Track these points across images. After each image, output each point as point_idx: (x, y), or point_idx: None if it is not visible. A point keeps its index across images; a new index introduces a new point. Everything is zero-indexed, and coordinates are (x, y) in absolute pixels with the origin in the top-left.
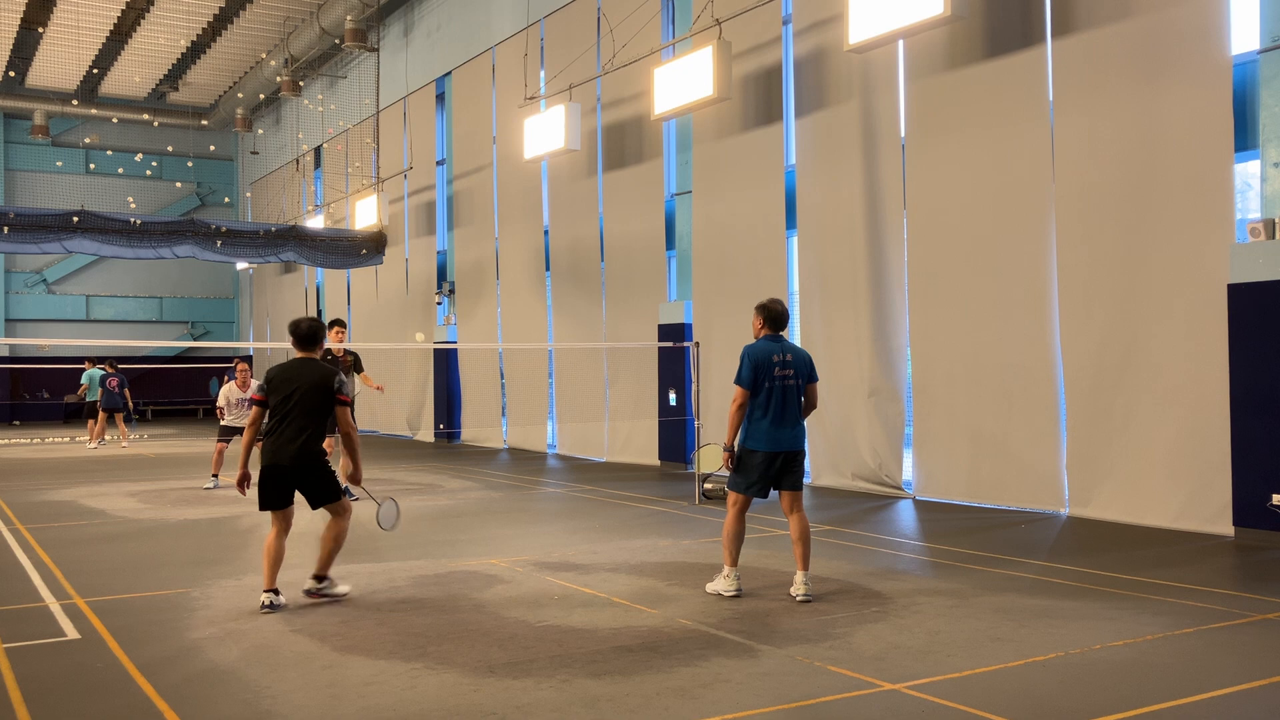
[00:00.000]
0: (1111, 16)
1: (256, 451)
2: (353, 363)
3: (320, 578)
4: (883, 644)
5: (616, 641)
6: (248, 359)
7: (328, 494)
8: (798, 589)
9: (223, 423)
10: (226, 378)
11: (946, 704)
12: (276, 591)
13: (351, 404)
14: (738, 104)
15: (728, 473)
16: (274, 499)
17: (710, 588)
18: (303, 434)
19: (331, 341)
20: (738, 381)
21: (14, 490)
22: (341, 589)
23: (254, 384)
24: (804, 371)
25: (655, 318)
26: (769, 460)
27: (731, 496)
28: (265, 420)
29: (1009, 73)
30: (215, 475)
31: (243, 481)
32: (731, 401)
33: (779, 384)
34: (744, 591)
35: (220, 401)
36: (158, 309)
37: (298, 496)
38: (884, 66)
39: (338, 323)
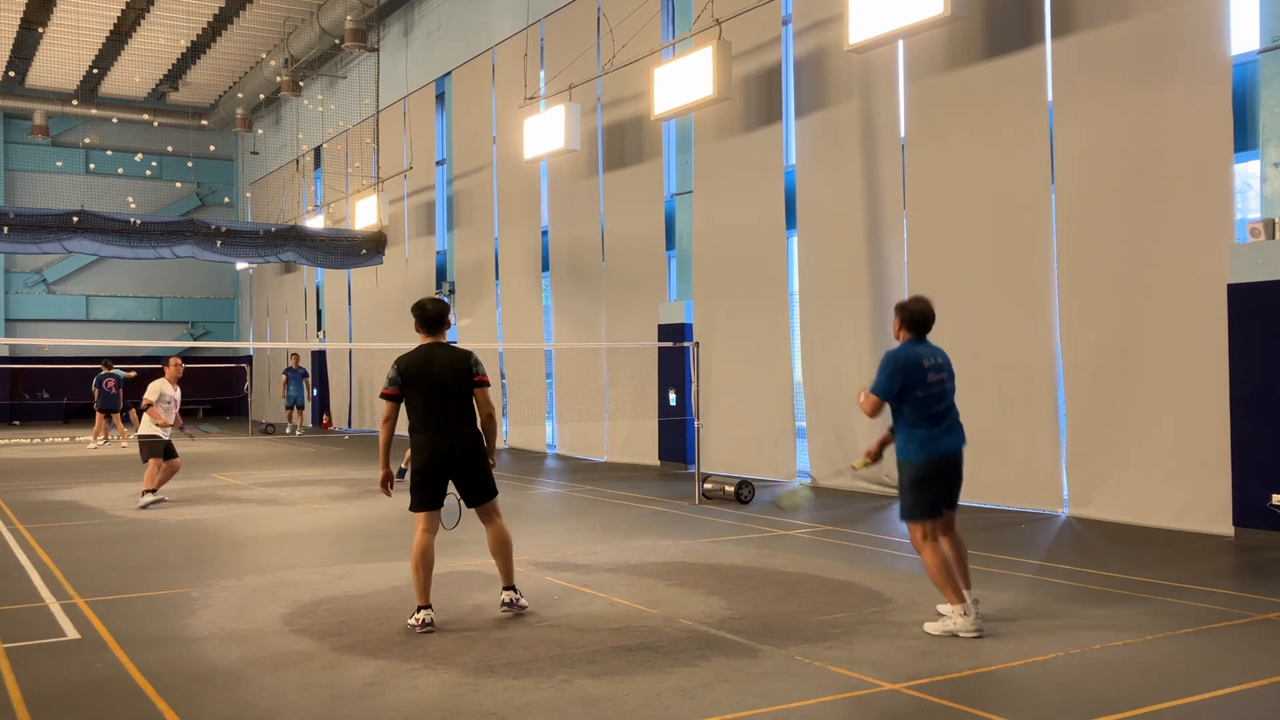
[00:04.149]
0: (1111, 17)
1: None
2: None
3: (511, 587)
4: (883, 644)
5: (616, 641)
6: (249, 358)
7: (485, 491)
8: (971, 612)
9: (140, 432)
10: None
11: (946, 704)
12: (431, 608)
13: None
14: (738, 104)
15: (870, 468)
16: (431, 499)
17: (937, 628)
18: (458, 424)
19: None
20: (874, 390)
21: (14, 490)
22: (524, 601)
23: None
24: (951, 371)
25: (655, 318)
26: (935, 469)
27: (920, 530)
28: (407, 414)
29: (1009, 73)
30: (153, 490)
31: (387, 482)
32: (861, 406)
33: (935, 389)
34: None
35: (151, 396)
36: (158, 309)
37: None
38: (884, 66)
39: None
